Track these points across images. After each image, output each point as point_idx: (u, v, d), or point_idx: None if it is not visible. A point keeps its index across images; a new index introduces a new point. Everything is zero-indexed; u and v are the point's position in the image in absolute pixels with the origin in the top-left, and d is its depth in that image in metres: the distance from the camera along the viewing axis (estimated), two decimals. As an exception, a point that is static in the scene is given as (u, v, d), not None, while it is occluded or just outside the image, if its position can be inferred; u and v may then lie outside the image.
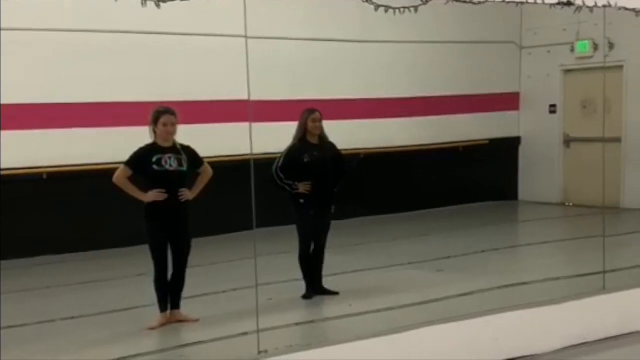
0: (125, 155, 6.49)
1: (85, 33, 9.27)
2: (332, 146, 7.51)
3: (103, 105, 9.74)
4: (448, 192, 12.54)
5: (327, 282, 7.64)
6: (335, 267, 8.28)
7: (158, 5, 4.67)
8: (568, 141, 13.51)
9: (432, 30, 11.88)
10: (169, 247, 6.60)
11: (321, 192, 7.37)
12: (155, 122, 6.47)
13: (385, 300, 7.10)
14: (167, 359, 5.90)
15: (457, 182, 12.64)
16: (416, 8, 5.52)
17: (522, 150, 13.98)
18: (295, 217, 7.46)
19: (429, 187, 12.37)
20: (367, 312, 6.78)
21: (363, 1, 5.28)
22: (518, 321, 6.05)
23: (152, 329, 6.51)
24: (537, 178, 13.73)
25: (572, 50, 13.18)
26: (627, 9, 6.38)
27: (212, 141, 8.99)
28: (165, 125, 6.44)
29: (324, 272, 7.66)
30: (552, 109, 13.68)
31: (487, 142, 13.32)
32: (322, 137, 7.43)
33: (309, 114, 7.36)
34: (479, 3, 5.67)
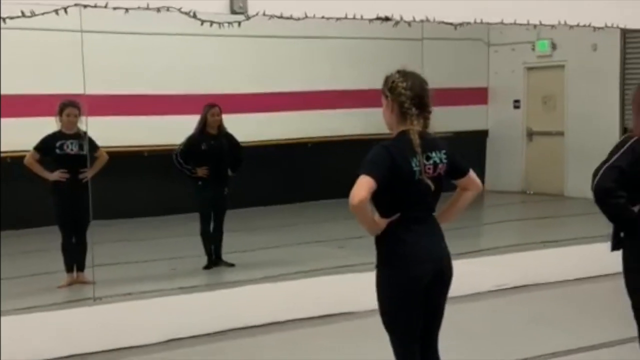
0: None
1: None
2: (229, 136, 8.61)
3: None
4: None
5: (238, 257, 8.73)
6: (254, 245, 9.44)
7: (5, 21, 5.84)
8: (530, 134, 14.40)
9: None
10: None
11: (217, 176, 8.49)
12: (60, 113, 7.65)
13: (274, 270, 7.88)
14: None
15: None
16: (239, 23, 6.62)
17: (489, 143, 14.90)
18: (195, 198, 8.60)
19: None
20: (245, 280, 7.65)
21: (189, 17, 6.36)
22: (340, 283, 7.07)
23: (61, 287, 7.78)
24: (501, 169, 14.65)
25: (533, 48, 14.06)
26: (445, 23, 7.27)
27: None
28: (68, 115, 7.63)
29: (239, 248, 8.79)
30: (516, 104, 14.58)
31: (451, 134, 14.18)
32: (221, 128, 8.55)
33: (209, 108, 8.49)
34: (299, 19, 6.72)
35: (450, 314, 4.35)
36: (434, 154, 4.03)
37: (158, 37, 10.53)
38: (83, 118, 7.59)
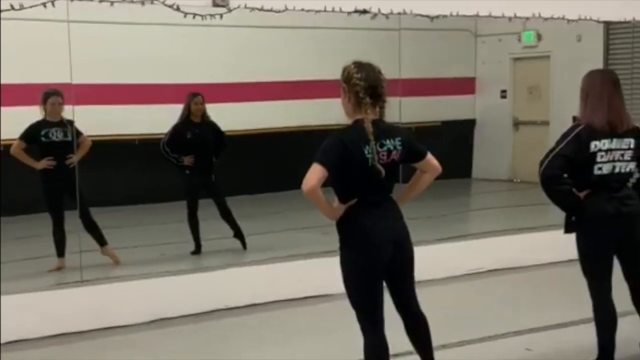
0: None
1: None
2: (212, 124, 8.86)
3: None
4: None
5: (226, 243, 8.97)
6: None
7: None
8: (517, 124, 14.66)
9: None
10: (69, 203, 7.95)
11: (203, 164, 8.73)
12: (44, 101, 7.90)
13: (260, 255, 8.31)
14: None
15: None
16: (221, 15, 6.84)
17: (476, 132, 15.16)
18: (182, 186, 8.86)
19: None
20: (230, 264, 8.07)
21: (173, 9, 6.56)
22: (320, 267, 7.20)
23: (51, 271, 8.02)
24: (489, 157, 14.90)
25: (519, 39, 14.29)
26: (422, 16, 7.46)
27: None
28: (53, 104, 7.88)
29: (227, 234, 8.97)
30: (503, 94, 14.84)
31: (439, 123, 14.41)
32: (204, 117, 8.80)
33: (192, 97, 8.73)
34: (279, 12, 6.95)
35: (424, 295, 4.59)
36: (387, 142, 4.29)
37: (144, 27, 10.69)
38: (67, 106, 7.82)
